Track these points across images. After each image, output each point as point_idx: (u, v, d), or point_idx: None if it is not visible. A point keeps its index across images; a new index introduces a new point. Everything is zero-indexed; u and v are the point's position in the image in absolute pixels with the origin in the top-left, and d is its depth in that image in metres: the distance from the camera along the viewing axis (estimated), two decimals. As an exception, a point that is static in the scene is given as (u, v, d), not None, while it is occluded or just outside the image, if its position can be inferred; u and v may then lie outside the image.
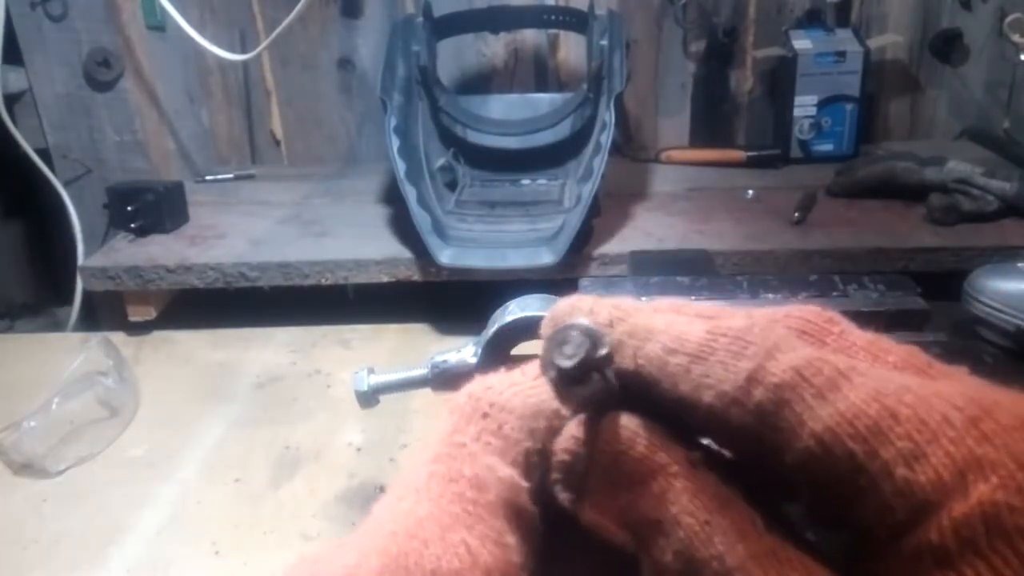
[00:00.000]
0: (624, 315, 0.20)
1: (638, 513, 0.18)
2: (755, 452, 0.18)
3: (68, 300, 1.13)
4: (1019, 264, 0.77)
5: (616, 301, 0.21)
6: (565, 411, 0.20)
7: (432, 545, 0.17)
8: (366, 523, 0.19)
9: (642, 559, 0.18)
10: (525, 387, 0.21)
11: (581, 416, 0.20)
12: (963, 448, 0.15)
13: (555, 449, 0.20)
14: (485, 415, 0.20)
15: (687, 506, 0.17)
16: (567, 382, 0.19)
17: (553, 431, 0.20)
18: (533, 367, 0.21)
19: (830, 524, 0.18)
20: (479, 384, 0.21)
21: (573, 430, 0.20)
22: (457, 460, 0.19)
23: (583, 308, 0.20)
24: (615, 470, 0.18)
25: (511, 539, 0.18)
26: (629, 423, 0.19)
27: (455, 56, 1.34)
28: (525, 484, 0.19)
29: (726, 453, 0.19)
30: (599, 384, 0.19)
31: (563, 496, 0.19)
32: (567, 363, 0.18)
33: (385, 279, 0.97)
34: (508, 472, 0.19)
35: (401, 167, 0.98)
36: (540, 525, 0.20)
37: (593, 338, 0.19)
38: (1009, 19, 1.22)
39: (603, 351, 0.19)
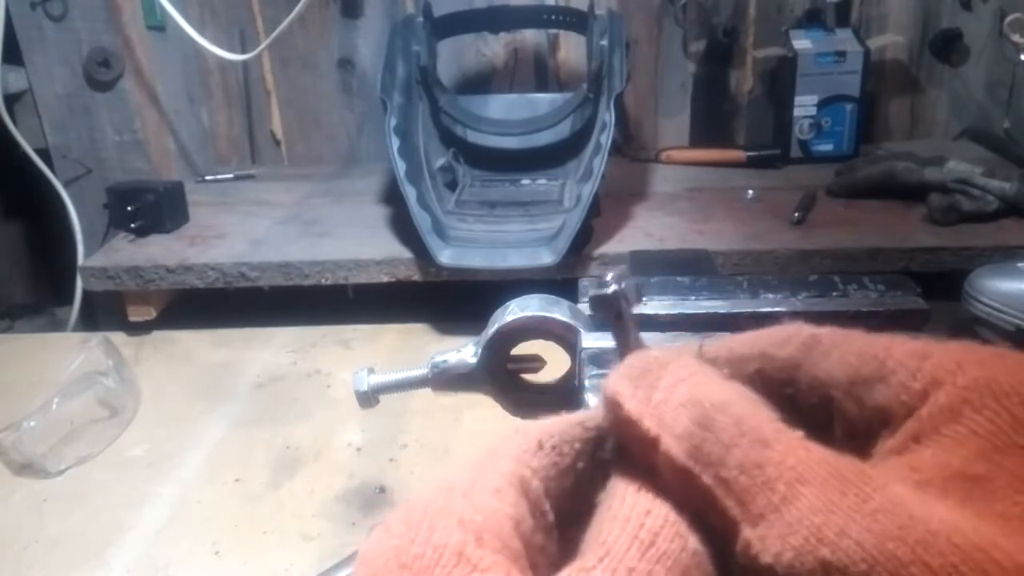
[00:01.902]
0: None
1: (669, 402, 0.21)
2: (790, 386, 0.23)
3: (68, 300, 1.13)
4: (1019, 264, 0.77)
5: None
6: (586, 425, 0.23)
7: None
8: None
9: (655, 451, 0.21)
10: (553, 418, 0.24)
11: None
12: (960, 353, 0.21)
13: (622, 363, 0.23)
14: (515, 431, 0.23)
15: (710, 392, 0.21)
16: (595, 303, 0.28)
17: (571, 435, 0.23)
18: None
19: (850, 432, 0.23)
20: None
21: (639, 353, 0.24)
22: (478, 456, 0.22)
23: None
24: (660, 374, 0.22)
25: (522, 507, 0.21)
26: (673, 351, 0.23)
27: (455, 56, 1.34)
28: (532, 464, 0.22)
29: None
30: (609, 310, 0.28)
31: (611, 389, 0.22)
32: (596, 291, 0.28)
33: (385, 279, 0.97)
34: (517, 454, 0.22)
35: (401, 167, 0.98)
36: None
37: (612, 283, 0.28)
38: (1009, 19, 1.22)
39: (612, 288, 0.28)
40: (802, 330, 0.24)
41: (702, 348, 0.25)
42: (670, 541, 0.19)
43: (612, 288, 0.28)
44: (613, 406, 0.22)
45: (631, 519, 0.20)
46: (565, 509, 0.22)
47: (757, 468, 0.19)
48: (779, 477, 0.18)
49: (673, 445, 0.20)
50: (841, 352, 0.23)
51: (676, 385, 0.21)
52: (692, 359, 0.23)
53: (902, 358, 0.22)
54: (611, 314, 0.28)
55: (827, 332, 0.24)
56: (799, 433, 0.19)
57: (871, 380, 0.22)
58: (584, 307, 0.46)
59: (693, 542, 0.20)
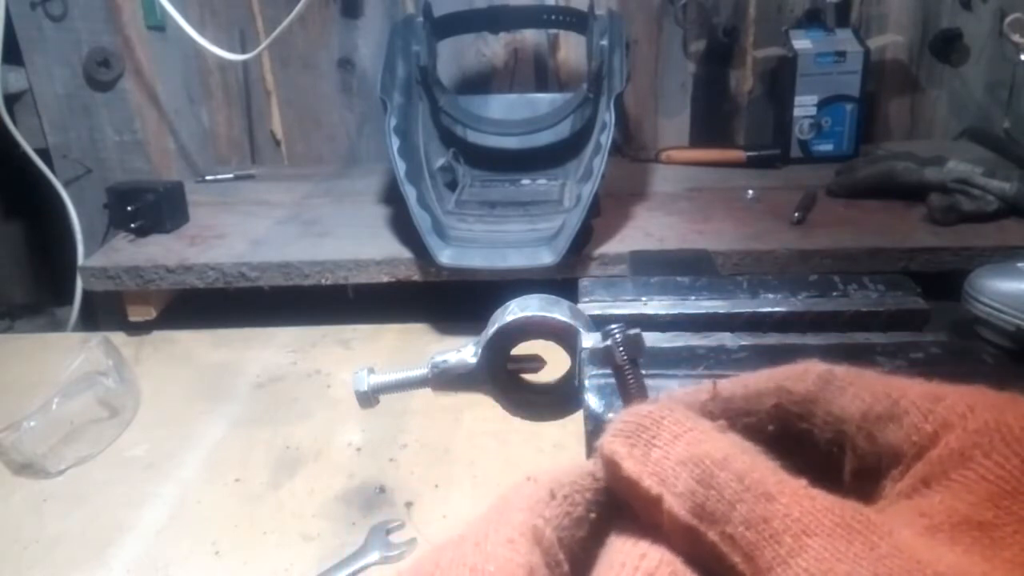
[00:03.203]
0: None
1: (668, 459, 0.21)
2: (805, 420, 0.24)
3: (68, 300, 1.13)
4: (1019, 264, 0.77)
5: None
6: (598, 475, 0.24)
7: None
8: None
9: (658, 510, 0.21)
10: (567, 466, 0.24)
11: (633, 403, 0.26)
12: (972, 397, 0.21)
13: (616, 419, 0.23)
14: (527, 478, 0.23)
15: (709, 448, 0.21)
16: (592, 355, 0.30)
17: (583, 486, 0.23)
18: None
19: (860, 469, 0.23)
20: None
21: (631, 409, 0.24)
22: (490, 508, 0.23)
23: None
24: (654, 430, 0.22)
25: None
26: (670, 403, 0.23)
27: (455, 56, 1.34)
28: (545, 513, 0.22)
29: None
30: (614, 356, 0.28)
31: (609, 449, 0.22)
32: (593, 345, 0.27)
33: (385, 279, 0.97)
34: (529, 504, 0.22)
35: (401, 167, 0.98)
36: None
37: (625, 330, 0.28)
38: (1009, 19, 1.22)
39: (617, 335, 0.28)
40: (817, 365, 0.24)
41: (717, 386, 0.25)
42: None
43: (606, 343, 0.28)
44: (611, 466, 0.22)
45: (626, 564, 0.20)
46: (579, 559, 0.22)
47: (763, 522, 0.19)
48: (785, 530, 0.18)
49: (676, 504, 0.20)
50: (856, 389, 0.23)
51: (673, 442, 0.21)
52: (685, 412, 0.23)
53: (915, 399, 0.22)
54: (608, 365, 0.29)
55: (842, 369, 0.24)
56: (802, 482, 0.20)
57: (884, 418, 0.22)
58: (584, 306, 0.46)
59: None
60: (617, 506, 0.23)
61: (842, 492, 0.23)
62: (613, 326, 0.29)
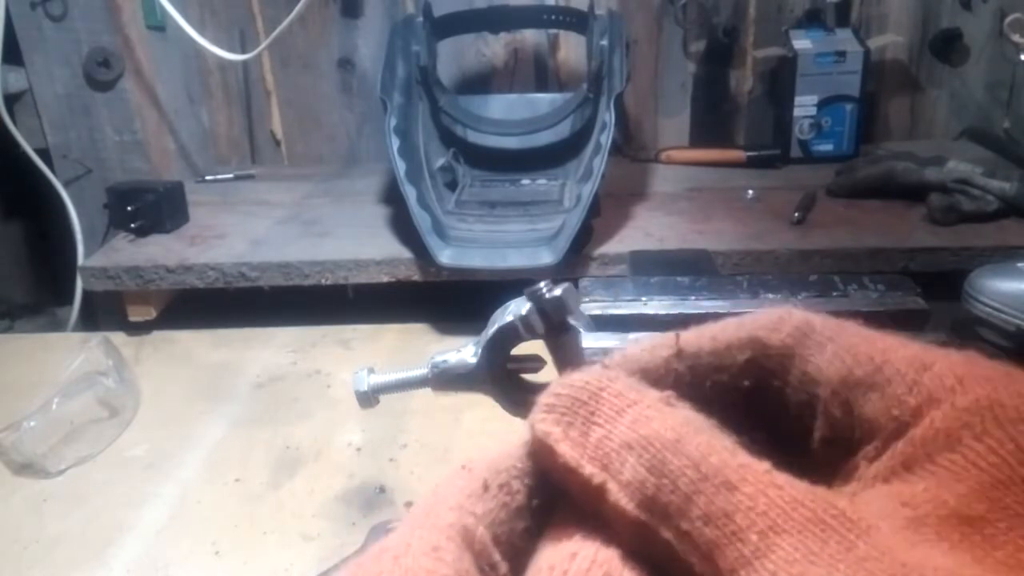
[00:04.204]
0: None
1: (611, 441, 0.18)
2: (779, 377, 0.22)
3: (68, 300, 1.13)
4: (1019, 264, 0.77)
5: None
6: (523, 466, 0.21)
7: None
8: None
9: (602, 501, 0.18)
10: (507, 448, 0.21)
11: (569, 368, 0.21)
12: (963, 366, 0.19)
13: (546, 393, 0.20)
14: (462, 467, 0.21)
15: (658, 428, 0.18)
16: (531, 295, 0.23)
17: (522, 471, 0.20)
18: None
19: (831, 439, 0.21)
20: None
21: (563, 379, 0.20)
22: (423, 502, 0.20)
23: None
24: (592, 405, 0.19)
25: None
26: (609, 371, 0.20)
27: (455, 56, 1.34)
28: (476, 510, 0.20)
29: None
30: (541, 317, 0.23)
31: (541, 431, 0.19)
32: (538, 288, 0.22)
33: (385, 279, 0.97)
34: (459, 501, 0.20)
35: (401, 167, 0.98)
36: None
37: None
38: (1009, 19, 1.22)
39: (555, 291, 0.23)
40: (794, 314, 0.22)
41: (680, 339, 0.22)
42: None
43: (527, 308, 0.24)
44: (544, 450, 0.19)
45: (555, 568, 0.18)
46: (522, 552, 0.20)
47: (724, 517, 0.16)
48: (750, 526, 0.16)
49: (622, 496, 0.18)
50: (836, 347, 0.21)
51: (615, 419, 0.18)
52: (627, 381, 0.20)
53: (900, 365, 0.20)
54: (532, 333, 0.25)
55: (821, 319, 0.22)
56: (765, 465, 0.17)
57: (863, 385, 0.20)
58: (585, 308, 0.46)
59: None
60: (559, 490, 0.20)
61: (809, 461, 0.21)
62: (537, 286, 0.24)
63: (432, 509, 0.19)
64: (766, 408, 0.22)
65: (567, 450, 0.19)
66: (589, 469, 0.18)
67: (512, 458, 0.20)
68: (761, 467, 0.17)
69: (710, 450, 0.17)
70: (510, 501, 0.20)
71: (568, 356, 0.23)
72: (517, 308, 0.45)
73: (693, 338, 0.22)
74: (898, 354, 0.20)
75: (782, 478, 0.17)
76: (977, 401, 0.18)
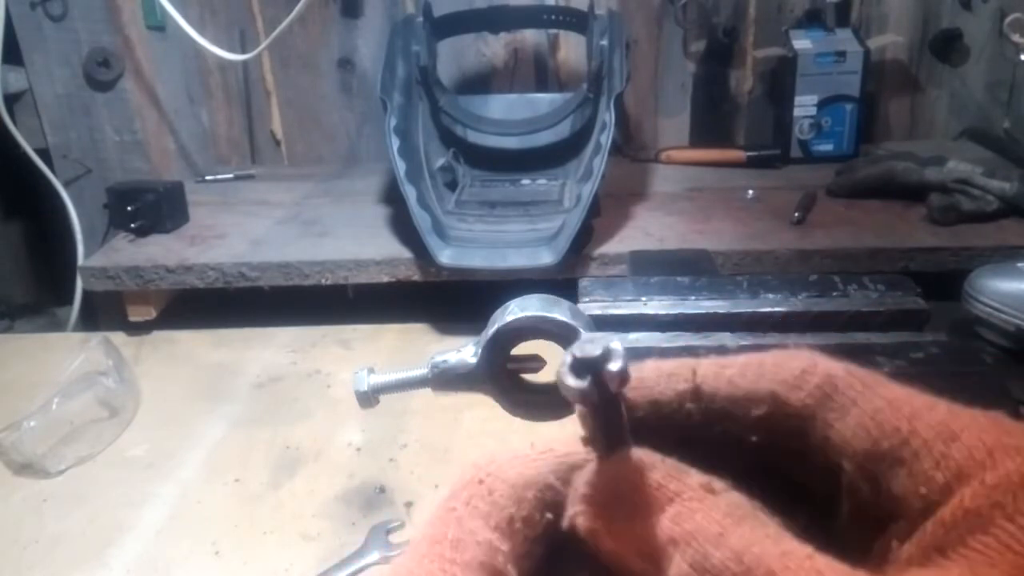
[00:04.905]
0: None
1: (655, 537, 0.19)
2: (797, 440, 0.21)
3: (68, 300, 1.13)
4: (1019, 264, 0.77)
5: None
6: (558, 484, 0.21)
7: None
8: None
9: None
10: (525, 460, 0.21)
11: (600, 454, 0.21)
12: (992, 435, 0.18)
13: (576, 484, 0.21)
14: (480, 482, 0.21)
15: (701, 522, 0.18)
16: (575, 368, 0.19)
17: (543, 501, 0.21)
18: (542, 446, 0.22)
19: (859, 513, 0.20)
20: (484, 455, 0.22)
21: (594, 466, 0.21)
22: (444, 523, 0.20)
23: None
24: (634, 499, 0.19)
25: None
26: (645, 456, 0.20)
27: (455, 56, 1.34)
28: (504, 547, 0.20)
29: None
30: (595, 389, 0.19)
31: (585, 527, 0.20)
32: (580, 353, 0.19)
33: (385, 279, 0.97)
34: (487, 536, 0.20)
35: (401, 167, 0.98)
36: None
37: (612, 352, 0.19)
38: (1009, 19, 1.22)
39: (617, 364, 0.19)
40: (816, 366, 0.21)
41: (697, 375, 0.22)
42: None
43: (597, 353, 0.19)
44: (592, 541, 0.20)
45: None
46: (539, 572, 0.20)
47: None
48: None
49: None
50: (860, 412, 0.20)
51: (658, 513, 0.19)
52: (666, 471, 0.20)
53: (927, 435, 0.19)
54: (583, 403, 0.20)
55: (844, 375, 0.21)
56: (807, 550, 0.17)
57: (889, 459, 0.19)
58: (584, 306, 0.46)
59: None
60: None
61: (839, 535, 0.20)
62: (590, 342, 0.19)
63: (458, 540, 0.19)
64: (779, 461, 0.21)
65: (612, 545, 0.19)
66: (638, 565, 0.19)
67: (532, 487, 0.21)
68: (803, 552, 0.17)
69: (752, 540, 0.18)
70: (531, 533, 0.20)
71: (609, 438, 0.20)
72: (533, 304, 0.44)
73: (711, 377, 0.22)
74: (924, 421, 0.19)
75: (823, 562, 0.17)
76: (1007, 476, 0.17)
